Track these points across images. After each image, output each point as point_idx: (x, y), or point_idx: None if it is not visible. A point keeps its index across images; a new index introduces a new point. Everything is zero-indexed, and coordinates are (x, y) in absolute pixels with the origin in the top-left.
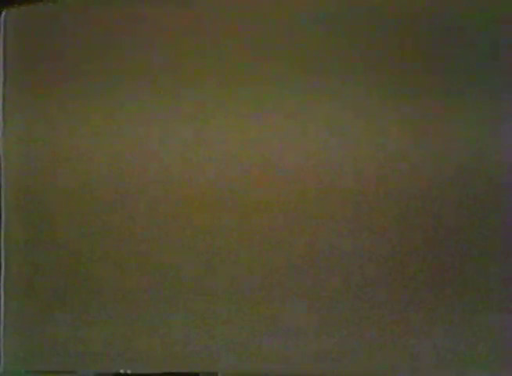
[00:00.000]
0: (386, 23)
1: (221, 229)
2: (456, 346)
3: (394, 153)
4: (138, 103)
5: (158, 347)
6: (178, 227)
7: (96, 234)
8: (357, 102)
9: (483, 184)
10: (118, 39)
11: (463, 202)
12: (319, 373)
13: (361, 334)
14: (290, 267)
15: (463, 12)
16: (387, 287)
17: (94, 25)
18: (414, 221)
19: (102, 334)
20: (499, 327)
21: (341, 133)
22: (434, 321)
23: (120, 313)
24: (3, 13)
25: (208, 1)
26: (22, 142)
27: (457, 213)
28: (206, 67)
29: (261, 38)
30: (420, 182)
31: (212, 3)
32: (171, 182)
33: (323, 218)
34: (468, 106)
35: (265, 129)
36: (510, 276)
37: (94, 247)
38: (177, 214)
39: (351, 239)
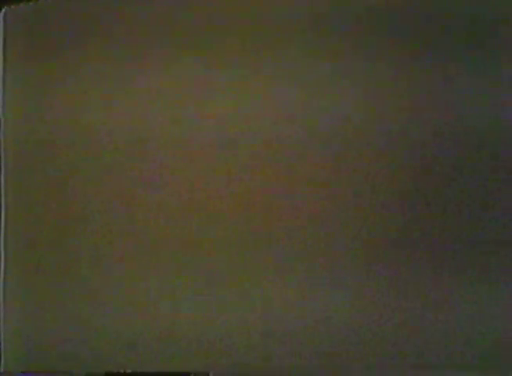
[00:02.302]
0: None
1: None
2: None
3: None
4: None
5: (152, 346)
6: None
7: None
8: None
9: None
10: (118, 36)
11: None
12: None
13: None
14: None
15: None
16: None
17: (94, 21)
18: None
19: (98, 332)
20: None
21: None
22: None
23: (117, 313)
24: (3, 10)
25: None
26: (22, 140)
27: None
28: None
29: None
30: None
31: None
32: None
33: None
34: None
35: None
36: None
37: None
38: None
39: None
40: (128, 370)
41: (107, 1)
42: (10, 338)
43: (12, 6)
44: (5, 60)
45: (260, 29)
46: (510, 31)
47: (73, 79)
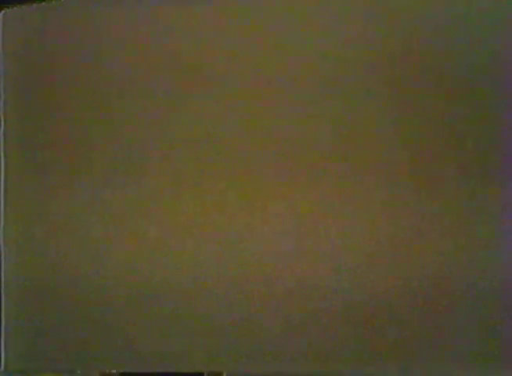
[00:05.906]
0: None
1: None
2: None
3: None
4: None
5: (162, 346)
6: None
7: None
8: None
9: None
10: (117, 38)
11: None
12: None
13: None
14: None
15: None
16: None
17: (93, 24)
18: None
19: (103, 332)
20: None
21: None
22: None
23: (123, 310)
24: (2, 12)
25: None
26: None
27: None
28: None
29: None
30: None
31: None
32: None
33: None
34: None
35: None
36: None
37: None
38: None
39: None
40: (140, 370)
41: (107, 3)
42: (10, 338)
43: (12, 8)
44: (4, 61)
45: None
46: None
47: (73, 80)
